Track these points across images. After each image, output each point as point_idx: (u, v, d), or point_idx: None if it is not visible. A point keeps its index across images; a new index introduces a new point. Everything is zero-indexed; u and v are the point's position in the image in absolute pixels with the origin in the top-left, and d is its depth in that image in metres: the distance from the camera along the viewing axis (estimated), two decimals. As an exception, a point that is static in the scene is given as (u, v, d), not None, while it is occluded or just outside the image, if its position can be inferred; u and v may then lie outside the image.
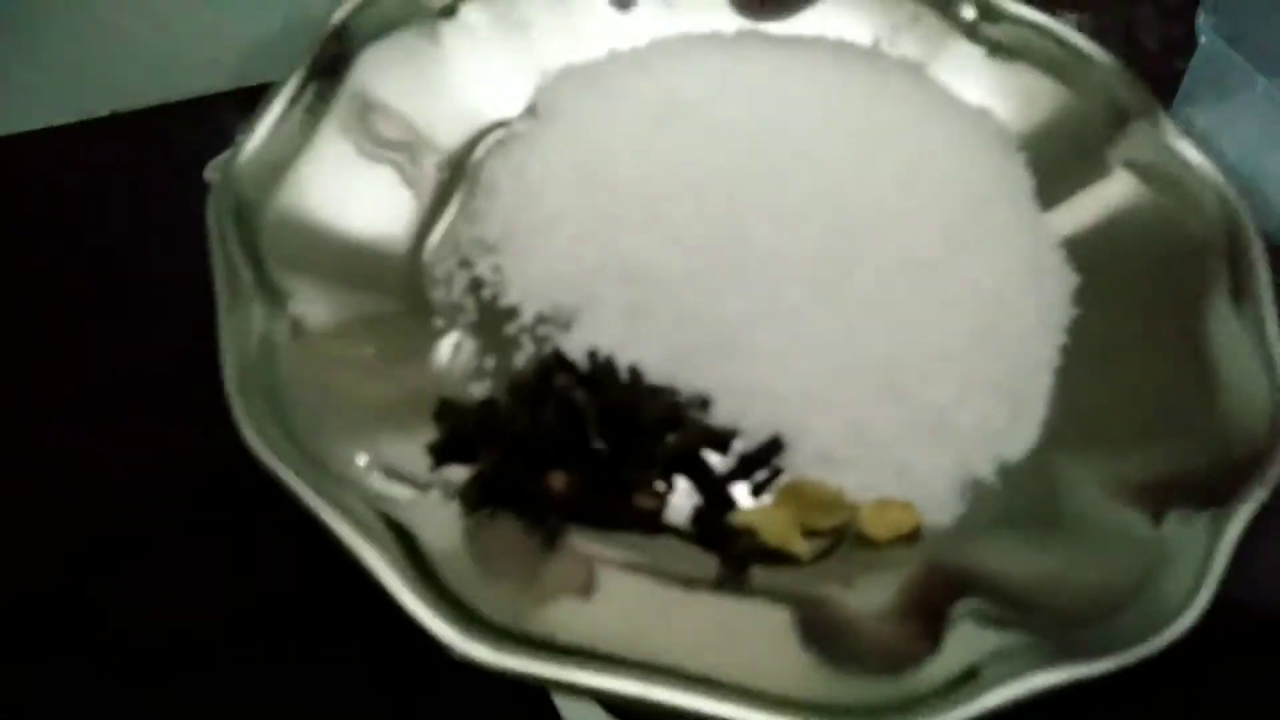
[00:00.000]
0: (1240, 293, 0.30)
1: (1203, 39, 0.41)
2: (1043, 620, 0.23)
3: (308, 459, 0.24)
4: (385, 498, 0.24)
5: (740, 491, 0.28)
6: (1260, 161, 0.41)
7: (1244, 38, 0.41)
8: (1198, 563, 0.24)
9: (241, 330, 0.26)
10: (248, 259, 0.27)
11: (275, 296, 0.27)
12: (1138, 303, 0.32)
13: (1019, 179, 0.35)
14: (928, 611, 0.24)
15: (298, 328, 0.27)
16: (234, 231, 0.26)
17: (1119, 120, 0.35)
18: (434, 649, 0.23)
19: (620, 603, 0.24)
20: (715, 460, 0.29)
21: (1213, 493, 0.25)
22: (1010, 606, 0.24)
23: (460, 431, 0.27)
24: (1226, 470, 0.26)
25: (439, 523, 0.25)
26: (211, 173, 0.50)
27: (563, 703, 0.35)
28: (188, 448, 0.43)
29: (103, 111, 0.57)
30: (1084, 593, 0.24)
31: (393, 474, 0.25)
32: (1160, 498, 0.26)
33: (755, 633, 0.24)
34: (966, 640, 0.23)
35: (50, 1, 0.59)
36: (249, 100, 0.60)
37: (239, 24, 0.59)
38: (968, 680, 0.22)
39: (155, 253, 0.50)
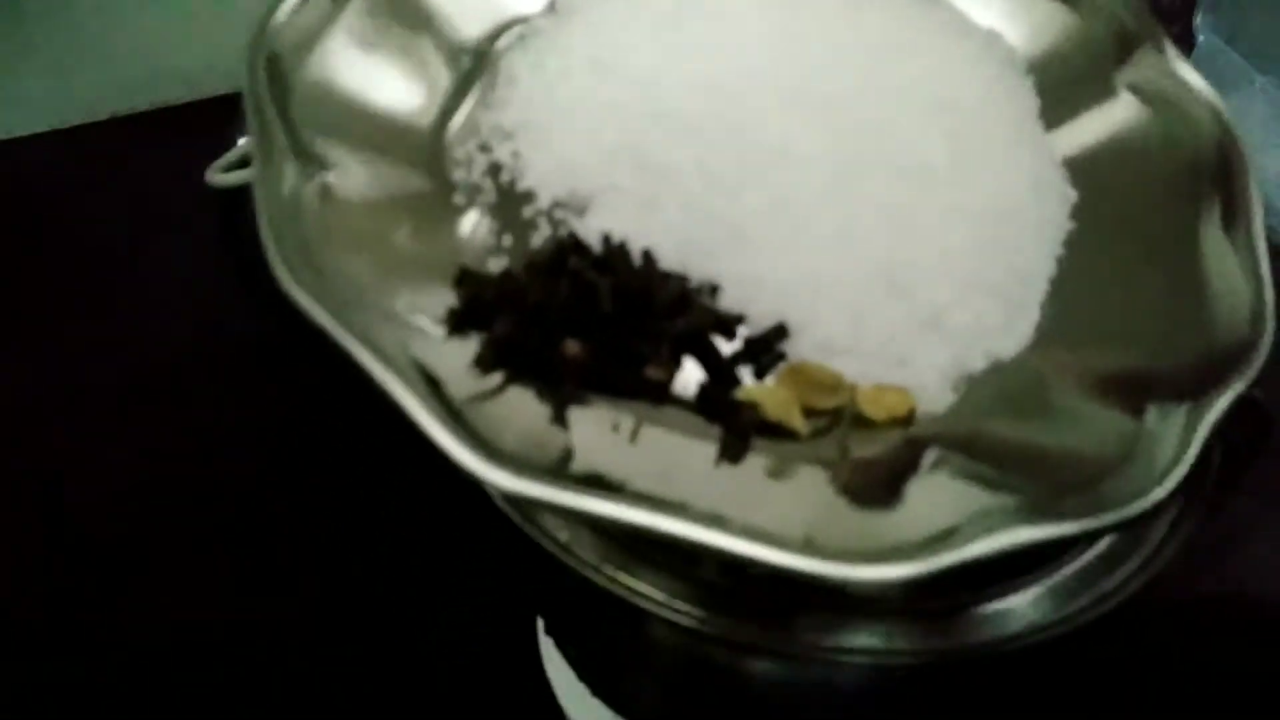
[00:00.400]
0: (1231, 211, 0.31)
1: (1200, 38, 0.41)
2: (1023, 483, 0.25)
3: (339, 302, 0.24)
4: (412, 345, 0.25)
5: (745, 374, 0.30)
6: (1260, 161, 0.42)
7: (1241, 37, 0.41)
8: (1175, 446, 0.25)
9: (274, 186, 0.27)
10: (280, 117, 0.27)
11: (307, 158, 0.28)
12: (1133, 218, 0.33)
13: (1025, 99, 0.36)
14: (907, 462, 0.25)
15: (327, 192, 0.28)
16: (268, 88, 0.27)
17: (1125, 44, 0.36)
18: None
19: (633, 450, 0.25)
20: (722, 344, 0.30)
21: (1194, 387, 0.27)
22: (992, 466, 0.25)
23: (478, 299, 0.28)
24: (1207, 368, 0.27)
25: (461, 374, 0.26)
26: (214, 175, 0.50)
27: (569, 703, 0.36)
28: (190, 446, 0.45)
29: (102, 115, 0.57)
30: (1064, 464, 0.25)
31: (420, 322, 0.26)
32: (1142, 392, 0.28)
33: (754, 481, 0.25)
34: (950, 496, 0.24)
35: (48, 5, 0.59)
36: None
37: (238, 28, 0.59)
38: (949, 534, 0.23)
39: (155, 256, 0.51)
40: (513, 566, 0.38)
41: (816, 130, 0.32)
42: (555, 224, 0.32)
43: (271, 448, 0.45)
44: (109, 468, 0.45)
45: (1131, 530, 0.28)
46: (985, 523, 0.24)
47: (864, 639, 0.26)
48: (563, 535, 0.28)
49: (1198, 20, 0.38)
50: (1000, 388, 0.30)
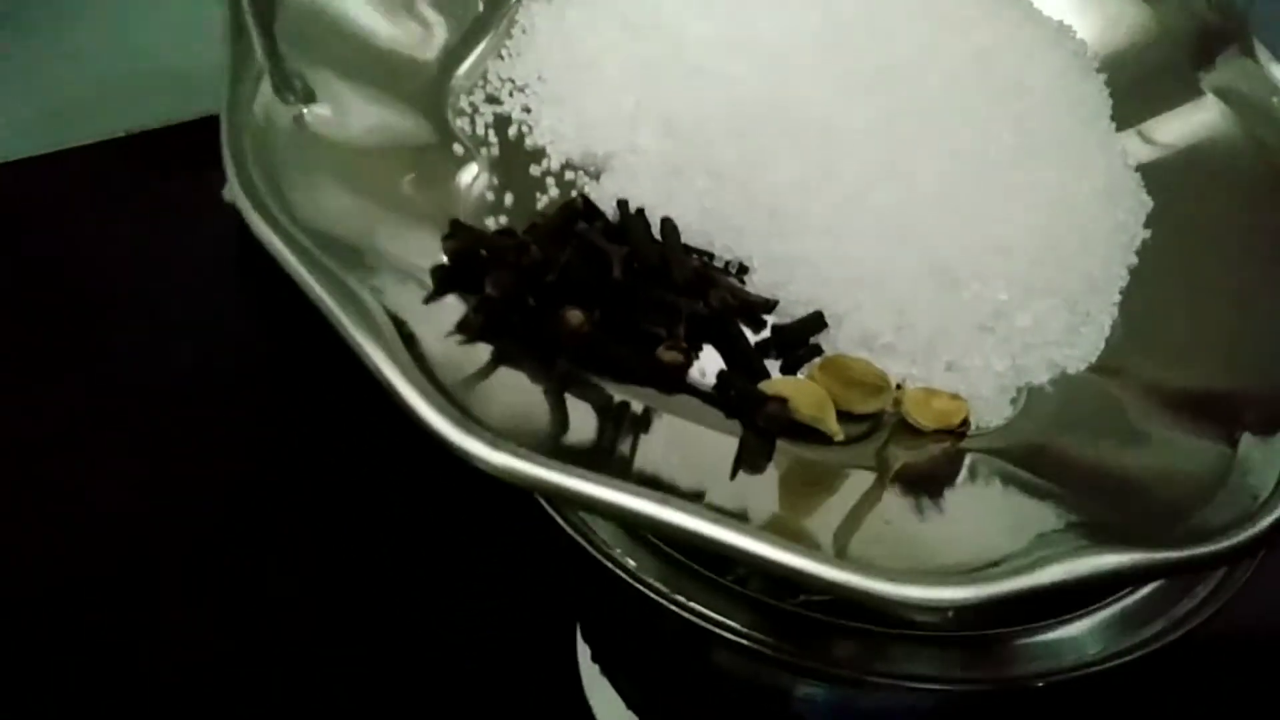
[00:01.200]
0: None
1: None
2: (1097, 508, 0.21)
3: (309, 243, 0.21)
4: (391, 301, 0.21)
5: (772, 368, 0.26)
6: None
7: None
8: (1276, 475, 0.21)
9: (244, 109, 0.23)
10: (262, 33, 0.24)
11: (289, 84, 0.24)
12: (1216, 229, 0.30)
13: (1097, 95, 0.33)
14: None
15: (310, 124, 0.25)
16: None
17: (1209, 44, 0.32)
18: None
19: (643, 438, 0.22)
20: (749, 331, 0.26)
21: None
22: (1061, 485, 0.21)
23: (470, 255, 0.24)
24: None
25: (445, 340, 0.22)
26: (229, 194, 0.49)
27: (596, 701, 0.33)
28: (209, 463, 0.43)
29: (118, 132, 0.56)
30: (1147, 488, 0.22)
31: (401, 278, 0.22)
32: (1231, 417, 0.24)
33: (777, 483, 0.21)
34: (1012, 516, 0.21)
35: (54, 23, 0.57)
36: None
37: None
38: (1013, 558, 0.19)
39: (172, 275, 0.50)
40: (554, 577, 0.36)
41: (868, 103, 0.29)
42: (565, 186, 0.28)
43: (295, 461, 0.44)
44: (119, 482, 0.43)
45: (1223, 566, 0.24)
46: (1054, 547, 0.20)
47: (918, 666, 0.23)
48: (619, 553, 0.24)
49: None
50: (1067, 402, 0.26)
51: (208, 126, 0.61)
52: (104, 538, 0.41)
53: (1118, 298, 0.29)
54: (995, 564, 0.20)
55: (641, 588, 0.24)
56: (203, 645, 0.38)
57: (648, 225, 0.27)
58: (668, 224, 0.27)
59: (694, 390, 0.25)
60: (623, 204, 0.27)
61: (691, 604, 0.23)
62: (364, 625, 0.39)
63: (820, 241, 0.27)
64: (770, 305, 0.26)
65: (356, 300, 0.20)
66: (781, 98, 0.29)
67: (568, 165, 0.28)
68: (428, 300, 0.24)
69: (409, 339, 0.21)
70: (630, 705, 0.32)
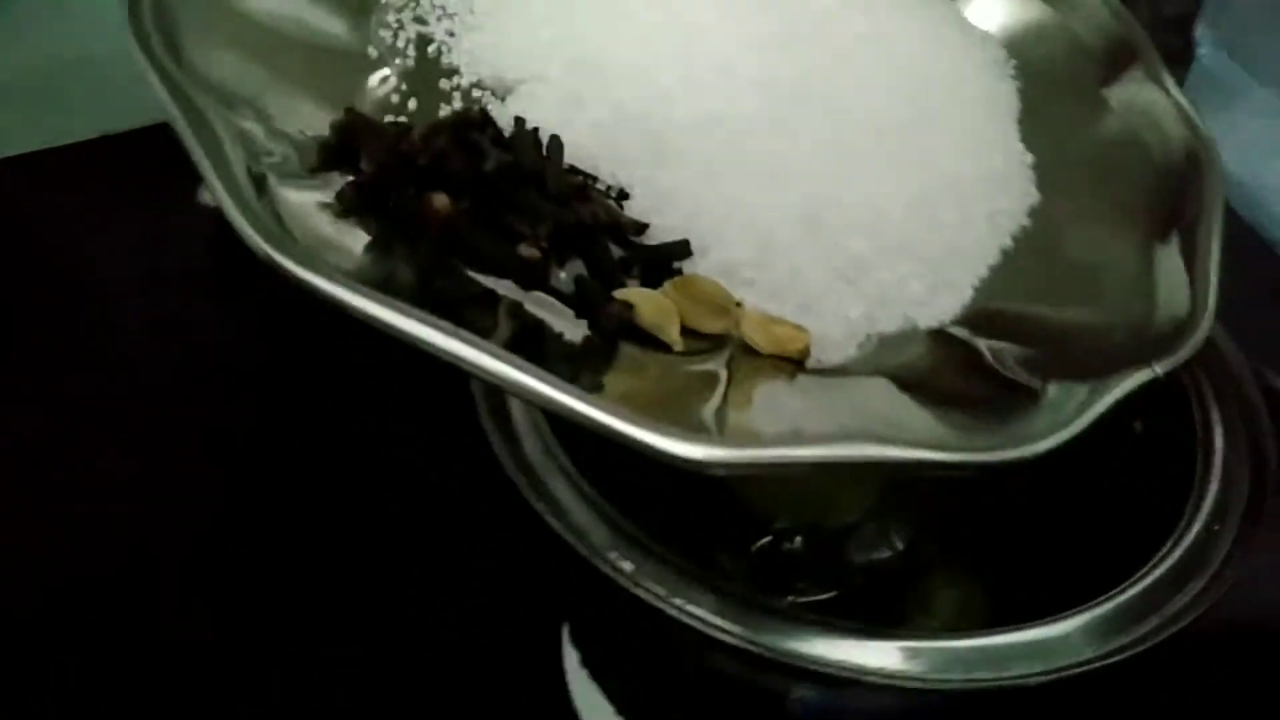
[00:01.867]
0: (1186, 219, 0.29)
1: (1201, 50, 0.40)
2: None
3: (189, 81, 0.22)
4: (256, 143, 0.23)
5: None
6: (1260, 171, 0.40)
7: (1242, 49, 0.40)
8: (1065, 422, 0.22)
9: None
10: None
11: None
12: (1092, 223, 0.31)
13: (1006, 97, 0.34)
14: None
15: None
16: None
17: (1116, 58, 0.34)
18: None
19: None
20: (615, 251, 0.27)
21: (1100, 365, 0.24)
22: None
23: (353, 134, 0.26)
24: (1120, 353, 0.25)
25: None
26: (206, 196, 0.50)
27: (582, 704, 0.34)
28: (194, 462, 0.43)
29: (91, 134, 0.55)
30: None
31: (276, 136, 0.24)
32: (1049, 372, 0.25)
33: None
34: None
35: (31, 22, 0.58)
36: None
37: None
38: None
39: (144, 278, 0.50)
40: (541, 579, 0.36)
41: (768, 58, 0.30)
42: (470, 102, 0.29)
43: (286, 463, 0.44)
44: (115, 482, 0.43)
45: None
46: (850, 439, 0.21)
47: (912, 666, 0.24)
48: (616, 557, 0.26)
49: (1198, 32, 0.36)
50: (903, 358, 0.27)
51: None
52: (100, 538, 0.41)
53: (985, 272, 0.30)
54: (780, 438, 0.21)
55: (638, 591, 0.25)
56: (196, 645, 0.39)
57: (538, 142, 0.28)
58: (555, 140, 0.28)
59: (550, 290, 0.26)
60: (519, 120, 0.28)
61: (688, 607, 0.25)
62: (354, 625, 0.39)
63: (700, 178, 0.28)
64: (641, 228, 0.28)
65: (209, 126, 0.21)
66: (687, 46, 0.30)
67: (477, 85, 0.30)
68: (312, 172, 0.25)
69: (259, 178, 0.22)
70: (619, 709, 0.33)
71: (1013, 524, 0.35)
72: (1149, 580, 0.27)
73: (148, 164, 0.56)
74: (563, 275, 0.26)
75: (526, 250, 0.25)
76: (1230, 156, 0.43)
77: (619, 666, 0.33)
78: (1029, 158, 0.33)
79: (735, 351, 0.26)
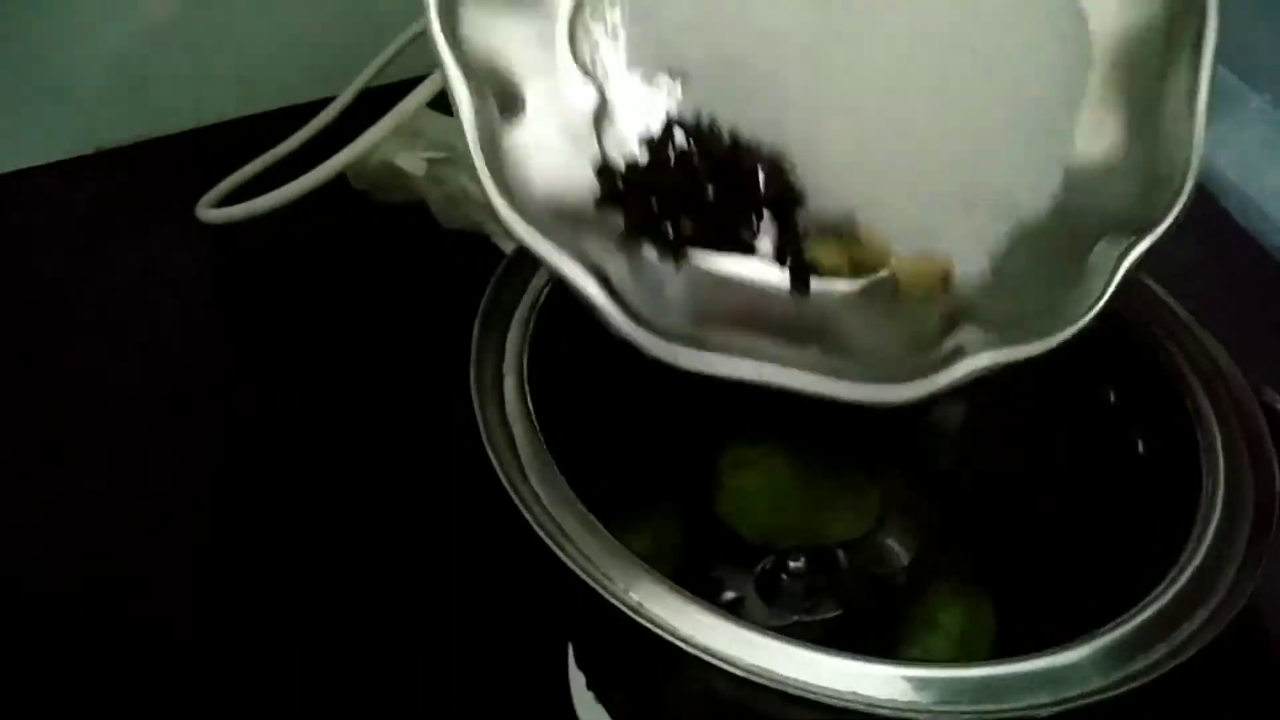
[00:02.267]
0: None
1: None
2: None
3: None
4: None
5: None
6: (1257, 177, 0.40)
7: (1236, 55, 0.40)
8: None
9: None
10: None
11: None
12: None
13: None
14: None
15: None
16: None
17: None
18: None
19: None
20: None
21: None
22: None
23: (614, 187, 0.35)
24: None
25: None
26: (204, 211, 0.50)
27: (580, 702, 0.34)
28: (182, 473, 0.44)
29: (87, 149, 0.56)
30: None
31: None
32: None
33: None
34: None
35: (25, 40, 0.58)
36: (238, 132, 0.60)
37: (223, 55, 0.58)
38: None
39: (141, 292, 0.51)
40: (547, 601, 0.37)
41: (909, 50, 0.36)
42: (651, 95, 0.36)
43: (280, 478, 0.45)
44: (101, 494, 0.44)
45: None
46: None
47: (919, 696, 0.24)
48: (623, 589, 0.26)
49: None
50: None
51: (177, 143, 0.63)
52: (83, 550, 0.41)
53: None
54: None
55: (642, 621, 0.25)
56: (192, 652, 0.39)
57: (720, 134, 0.35)
58: (733, 136, 0.36)
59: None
60: (698, 119, 0.36)
61: (694, 639, 0.25)
62: (356, 640, 0.39)
63: (852, 148, 0.36)
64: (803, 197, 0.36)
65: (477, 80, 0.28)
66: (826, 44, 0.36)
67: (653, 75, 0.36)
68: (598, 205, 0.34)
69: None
70: None
71: (1018, 543, 0.35)
72: (1157, 606, 0.27)
73: (147, 177, 0.57)
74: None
75: (746, 235, 0.36)
76: (1227, 164, 0.43)
77: (624, 691, 0.33)
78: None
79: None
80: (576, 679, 0.36)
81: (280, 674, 0.39)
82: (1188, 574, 0.28)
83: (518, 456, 0.29)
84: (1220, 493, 0.30)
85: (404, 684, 0.38)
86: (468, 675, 0.39)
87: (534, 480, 0.28)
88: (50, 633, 0.39)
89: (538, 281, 0.34)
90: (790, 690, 0.24)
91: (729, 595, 0.35)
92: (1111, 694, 0.25)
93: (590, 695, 0.35)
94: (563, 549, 0.26)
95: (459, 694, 0.38)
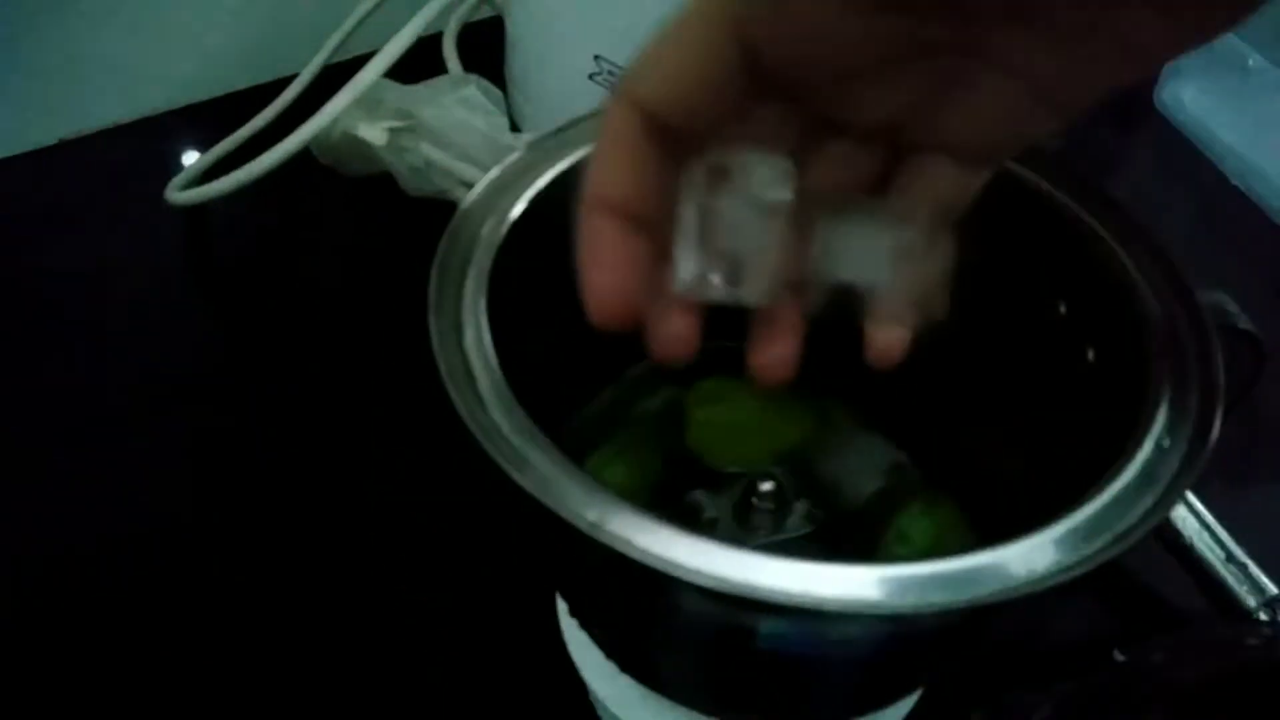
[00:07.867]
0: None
1: None
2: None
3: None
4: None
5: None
6: (1255, 140, 0.41)
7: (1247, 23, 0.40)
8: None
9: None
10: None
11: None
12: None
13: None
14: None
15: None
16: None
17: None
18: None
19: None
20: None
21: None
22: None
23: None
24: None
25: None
26: (173, 194, 0.51)
27: (593, 680, 0.35)
28: (187, 455, 0.47)
29: (50, 140, 0.57)
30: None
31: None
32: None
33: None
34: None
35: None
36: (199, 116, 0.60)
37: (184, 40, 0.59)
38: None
39: (116, 277, 0.52)
40: (532, 545, 0.38)
41: None
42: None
43: (265, 450, 0.47)
44: (103, 482, 0.46)
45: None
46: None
47: (860, 592, 0.25)
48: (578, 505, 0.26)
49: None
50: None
51: (148, 127, 0.64)
52: (71, 549, 0.42)
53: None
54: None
55: (600, 537, 0.26)
56: (189, 647, 0.40)
57: None
58: None
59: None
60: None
61: (654, 553, 0.25)
62: (353, 604, 0.41)
63: None
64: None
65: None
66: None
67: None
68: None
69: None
70: (607, 653, 0.35)
71: (968, 451, 0.36)
72: (1102, 500, 0.28)
73: (117, 163, 0.57)
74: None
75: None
76: (1224, 128, 0.43)
77: (600, 613, 0.33)
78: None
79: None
80: (568, 623, 0.37)
81: (275, 641, 0.40)
82: (1134, 470, 0.29)
83: (477, 391, 0.29)
84: (1165, 398, 0.31)
85: (401, 645, 0.39)
86: (461, 629, 0.40)
87: (495, 413, 0.29)
88: (38, 631, 0.40)
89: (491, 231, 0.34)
90: (742, 595, 0.25)
91: (707, 518, 0.36)
92: (1056, 582, 0.26)
93: (583, 635, 0.36)
94: (521, 472, 0.27)
95: (454, 647, 0.39)
